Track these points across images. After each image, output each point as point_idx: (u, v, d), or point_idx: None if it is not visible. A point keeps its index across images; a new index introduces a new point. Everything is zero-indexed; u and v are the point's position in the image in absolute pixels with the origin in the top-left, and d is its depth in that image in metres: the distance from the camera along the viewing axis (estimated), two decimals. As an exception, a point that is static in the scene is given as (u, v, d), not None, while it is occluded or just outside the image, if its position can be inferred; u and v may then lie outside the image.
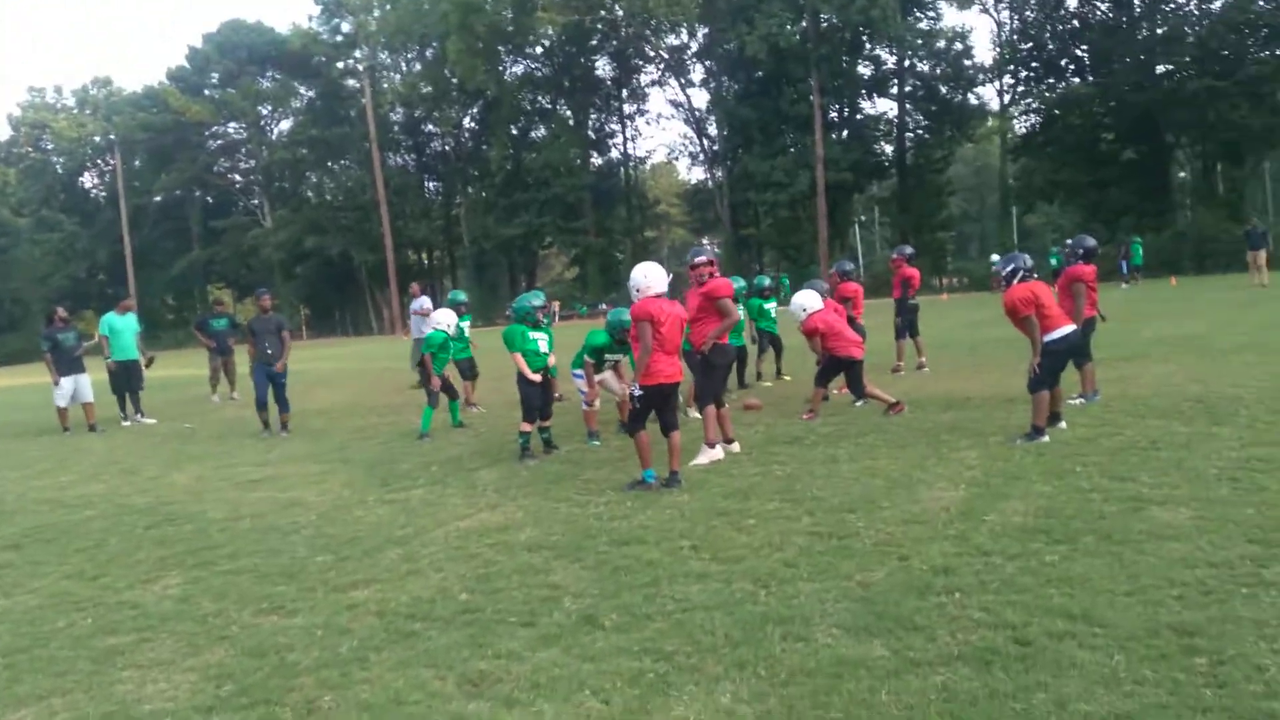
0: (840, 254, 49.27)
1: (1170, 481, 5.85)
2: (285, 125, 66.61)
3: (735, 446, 7.93)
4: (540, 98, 57.63)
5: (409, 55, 61.44)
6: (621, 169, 60.24)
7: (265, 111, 65.74)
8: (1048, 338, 7.34)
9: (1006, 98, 46.88)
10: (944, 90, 46.89)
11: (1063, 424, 7.73)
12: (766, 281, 13.56)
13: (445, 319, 10.60)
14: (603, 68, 56.69)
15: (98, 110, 71.68)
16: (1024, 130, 46.88)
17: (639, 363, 6.70)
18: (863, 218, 70.20)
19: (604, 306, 49.37)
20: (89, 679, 4.11)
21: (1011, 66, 45.67)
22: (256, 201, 67.74)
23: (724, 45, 48.60)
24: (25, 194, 71.88)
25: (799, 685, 3.48)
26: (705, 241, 79.27)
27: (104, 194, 72.76)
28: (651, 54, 54.17)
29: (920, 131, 49.62)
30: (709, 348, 7.52)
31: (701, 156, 55.69)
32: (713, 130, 53.59)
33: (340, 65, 62.04)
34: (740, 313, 10.78)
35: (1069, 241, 9.21)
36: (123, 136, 65.09)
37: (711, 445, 7.60)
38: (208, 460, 10.08)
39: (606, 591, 4.70)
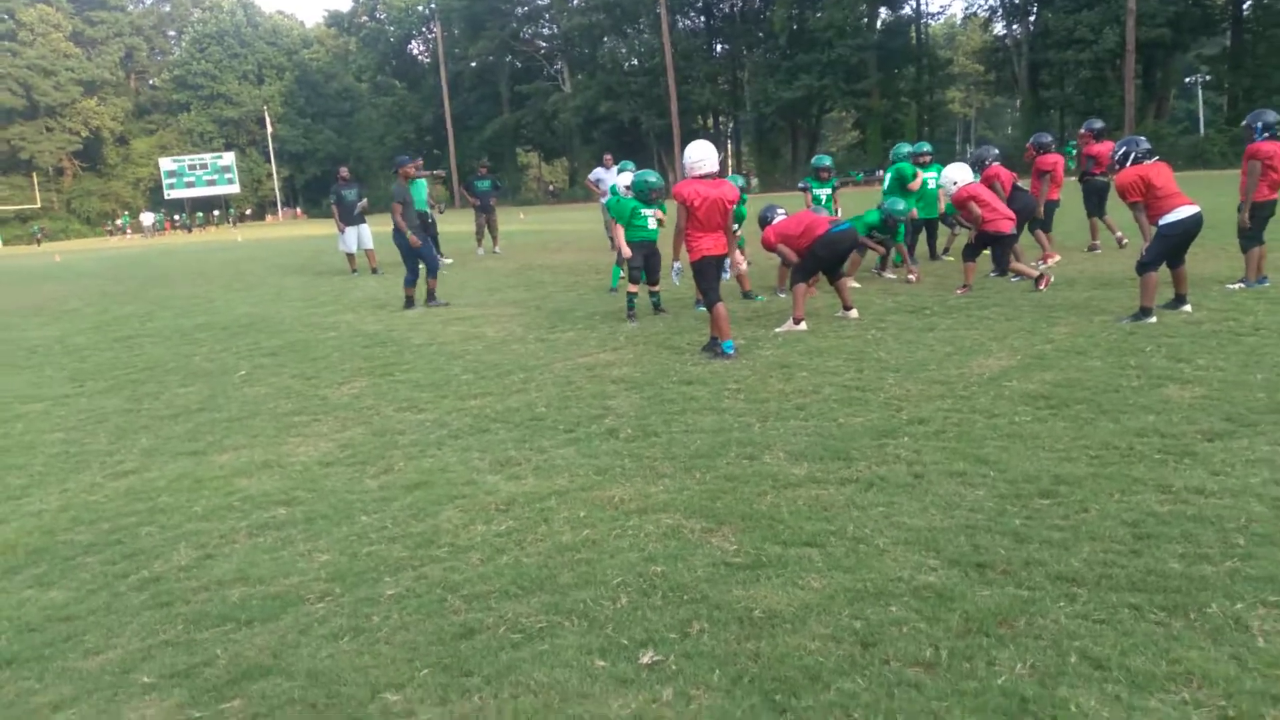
0: (1156, 120, 44.38)
1: (1221, 365, 5.94)
2: (586, -10, 68.92)
3: (853, 313, 8.55)
4: (833, -50, 55.32)
5: (703, -89, 60.93)
6: (912, 27, 56.96)
7: (567, -24, 68.27)
8: (1162, 220, 7.25)
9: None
10: (1301, -77, 39.82)
11: (1187, 307, 7.64)
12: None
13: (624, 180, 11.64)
14: (902, -88, 53.30)
15: (422, -20, 77.65)
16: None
17: (674, 244, 7.37)
18: (1209, 77, 61.78)
19: (880, 173, 48.22)
20: (268, 440, 5.89)
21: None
22: (557, 67, 71.25)
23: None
24: (364, 61, 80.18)
25: (714, 485, 4.45)
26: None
27: (428, 60, 79.52)
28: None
29: (1265, -26, 42.75)
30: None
31: (1000, 11, 51.49)
32: (1015, -19, 49.25)
33: (639, -75, 62.77)
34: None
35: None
36: (442, 5, 70.45)
37: (797, 322, 8.17)
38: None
39: (642, 415, 5.81)
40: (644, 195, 9.25)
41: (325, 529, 4.27)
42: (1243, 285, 8.50)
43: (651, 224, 9.30)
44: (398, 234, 10.99)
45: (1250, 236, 8.50)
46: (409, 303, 11.29)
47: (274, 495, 4.78)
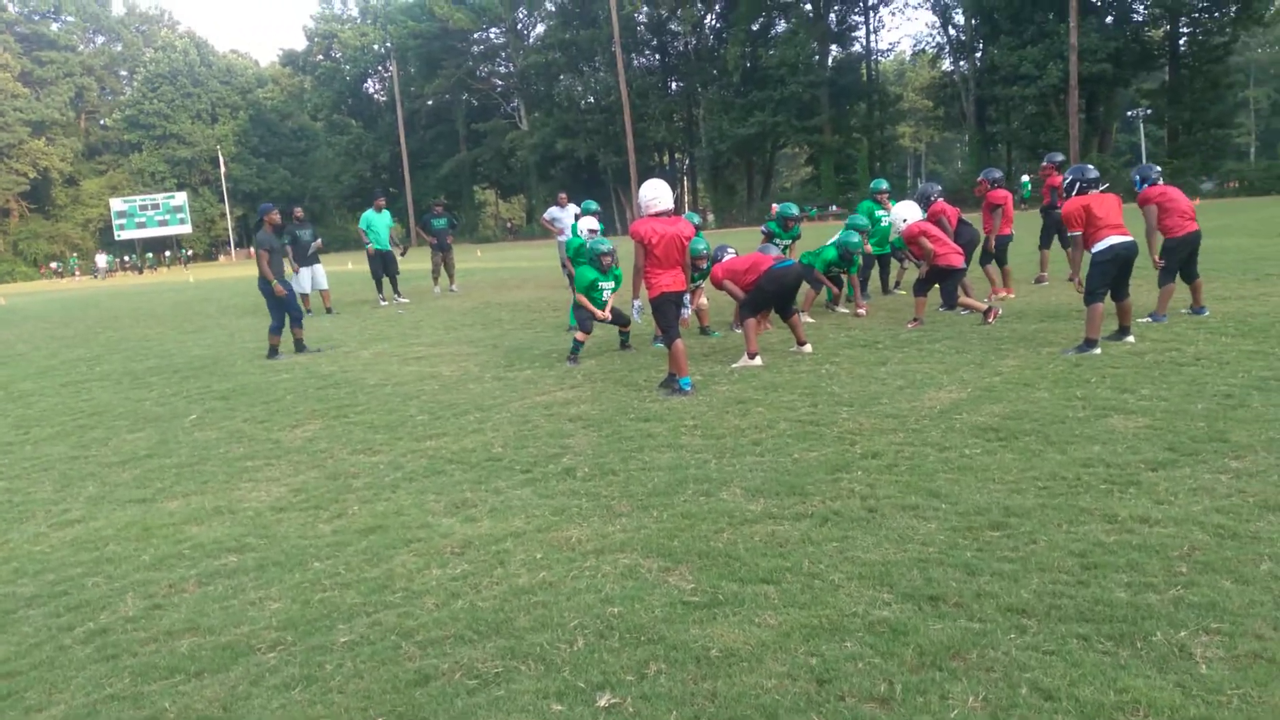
0: (1100, 153, 45.58)
1: (1164, 395, 6.09)
2: (540, 30, 69.58)
3: (807, 348, 8.64)
4: (783, -10, 56.50)
5: (657, -49, 61.85)
6: (863, 64, 58.21)
7: (521, 16, 68.91)
8: (1094, 248, 7.45)
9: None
10: (1231, -37, 41.45)
11: (1130, 338, 7.83)
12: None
13: (585, 224, 11.75)
14: (849, -46, 54.59)
15: (377, 20, 77.94)
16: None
17: (633, 282, 7.43)
18: (1149, 111, 63.46)
19: (834, 209, 49.02)
20: (220, 486, 5.80)
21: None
22: (514, 105, 71.70)
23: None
24: (319, 100, 80.00)
25: (671, 523, 4.46)
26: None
27: (384, 99, 79.57)
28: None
29: (1197, 15, 44.31)
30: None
31: (947, 48, 52.87)
32: (960, 19, 50.61)
33: (592, -36, 63.60)
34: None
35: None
36: (398, 44, 70.69)
37: (751, 356, 8.25)
38: (395, 340, 12.05)
39: (599, 453, 5.81)
40: (597, 265, 9.32)
41: (277, 576, 4.20)
42: (1150, 319, 8.69)
43: (607, 296, 9.38)
44: (263, 282, 10.81)
45: (1167, 271, 8.71)
46: (273, 351, 11.10)
47: (225, 542, 4.71)
